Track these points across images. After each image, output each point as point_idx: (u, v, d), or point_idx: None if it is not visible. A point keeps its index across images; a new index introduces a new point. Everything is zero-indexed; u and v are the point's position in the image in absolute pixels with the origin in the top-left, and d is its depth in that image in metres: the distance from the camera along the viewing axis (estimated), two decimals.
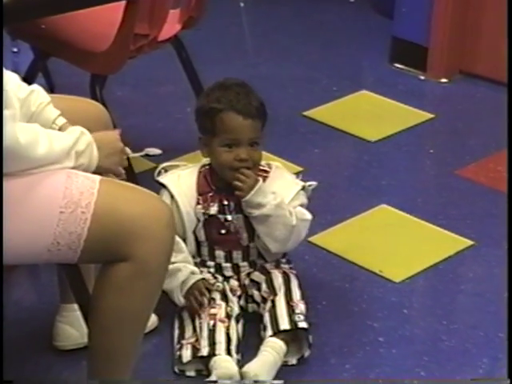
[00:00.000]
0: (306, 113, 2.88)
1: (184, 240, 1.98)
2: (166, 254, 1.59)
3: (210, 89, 2.00)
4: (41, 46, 2.39)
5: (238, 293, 1.99)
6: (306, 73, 3.14)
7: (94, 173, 1.59)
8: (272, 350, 1.84)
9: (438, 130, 2.85)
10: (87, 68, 2.32)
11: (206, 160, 2.02)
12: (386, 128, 2.81)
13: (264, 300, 1.95)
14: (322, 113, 2.89)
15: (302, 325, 1.86)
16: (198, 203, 1.97)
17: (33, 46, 2.48)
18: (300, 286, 1.96)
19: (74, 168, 1.57)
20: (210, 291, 1.95)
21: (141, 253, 1.54)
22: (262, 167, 2.00)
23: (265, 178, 1.98)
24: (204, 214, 1.97)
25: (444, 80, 3.11)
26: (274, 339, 1.85)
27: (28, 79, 2.33)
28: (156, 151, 2.69)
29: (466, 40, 3.07)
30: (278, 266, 2.01)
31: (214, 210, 1.97)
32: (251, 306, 2.00)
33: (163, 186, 2.00)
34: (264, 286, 1.97)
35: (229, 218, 1.96)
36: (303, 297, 1.94)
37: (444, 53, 3.08)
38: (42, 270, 2.10)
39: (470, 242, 2.31)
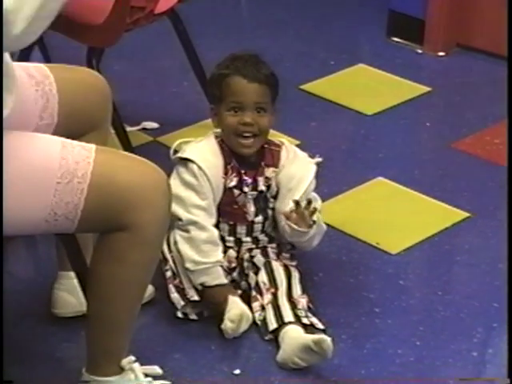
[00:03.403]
0: (302, 86, 2.88)
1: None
2: (163, 222, 1.60)
3: (222, 60, 1.98)
4: None
5: (233, 264, 1.99)
6: (302, 46, 3.14)
7: None
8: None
9: (434, 103, 2.85)
10: (83, 41, 2.31)
11: (212, 132, 1.99)
12: (383, 101, 2.81)
13: (259, 290, 1.94)
14: (318, 86, 2.89)
15: (305, 321, 1.86)
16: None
17: None
18: (301, 280, 1.96)
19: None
20: None
21: (138, 222, 1.55)
22: (271, 141, 1.99)
23: (277, 152, 1.98)
24: (223, 186, 1.95)
25: (441, 53, 3.10)
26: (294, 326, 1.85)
27: (24, 53, 2.34)
28: (153, 125, 2.70)
29: (464, 13, 3.06)
30: (279, 254, 2.00)
31: (232, 183, 1.95)
32: (244, 284, 2.00)
33: (189, 161, 1.93)
34: (263, 274, 1.96)
35: (249, 196, 1.95)
36: (303, 291, 1.94)
37: (441, 26, 3.07)
38: (39, 242, 2.11)
39: (465, 214, 2.32)
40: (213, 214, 1.95)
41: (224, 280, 1.92)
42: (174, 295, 1.93)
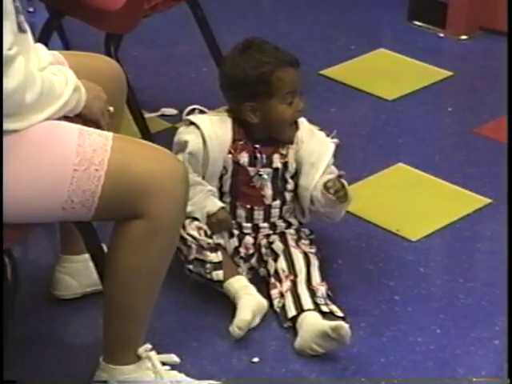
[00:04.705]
0: (323, 72, 2.86)
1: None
2: (180, 211, 1.59)
3: (240, 56, 1.93)
4: (55, 5, 2.38)
5: (251, 251, 1.99)
6: (323, 31, 3.11)
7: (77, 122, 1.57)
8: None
9: (456, 88, 2.82)
10: (101, 27, 2.30)
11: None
12: (404, 86, 2.78)
13: (278, 277, 1.93)
14: (339, 72, 2.87)
15: (324, 309, 1.85)
16: (228, 152, 1.94)
17: (48, 6, 2.47)
18: (320, 267, 1.95)
19: (65, 104, 1.55)
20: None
21: (155, 210, 1.54)
22: None
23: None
24: (233, 163, 1.95)
25: (464, 37, 3.06)
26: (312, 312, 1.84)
27: (43, 39, 2.34)
28: (172, 111, 2.69)
29: None
30: (298, 241, 1.99)
31: (244, 160, 1.95)
32: (262, 271, 1.99)
33: (195, 125, 1.95)
34: (282, 261, 1.95)
35: (265, 176, 1.95)
36: (323, 278, 1.92)
37: (464, 9, 3.03)
38: (58, 229, 2.11)
39: (487, 201, 2.29)
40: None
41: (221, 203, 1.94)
42: (213, 255, 1.90)
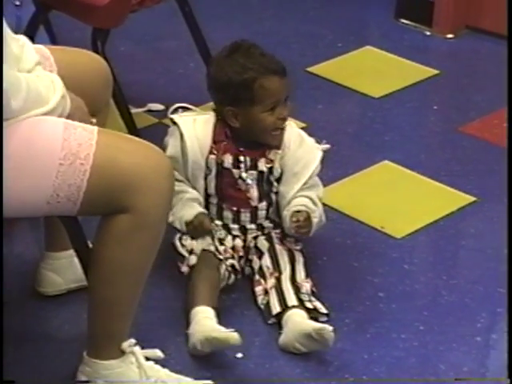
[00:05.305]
0: (309, 69, 2.86)
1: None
2: (166, 206, 1.59)
3: (226, 59, 1.91)
4: None
5: (241, 253, 1.98)
6: (310, 28, 3.11)
7: None
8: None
9: (442, 86, 2.84)
10: (88, 21, 2.30)
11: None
12: (391, 84, 2.79)
13: (262, 274, 1.93)
14: (326, 69, 2.87)
15: (308, 305, 1.86)
16: (211, 152, 1.94)
17: None
18: (305, 264, 1.95)
19: (53, 109, 1.55)
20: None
21: (140, 205, 1.55)
22: None
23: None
24: (217, 164, 1.94)
25: (450, 35, 3.08)
26: (297, 310, 1.84)
27: (29, 33, 2.33)
28: (158, 106, 2.69)
29: None
30: (283, 239, 1.99)
31: (228, 163, 1.94)
32: (248, 269, 2.00)
33: (176, 124, 1.94)
34: (267, 258, 1.95)
35: (244, 176, 1.93)
36: (307, 275, 1.93)
37: (450, 8, 3.05)
38: (43, 224, 2.11)
39: (472, 198, 2.30)
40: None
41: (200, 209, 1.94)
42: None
